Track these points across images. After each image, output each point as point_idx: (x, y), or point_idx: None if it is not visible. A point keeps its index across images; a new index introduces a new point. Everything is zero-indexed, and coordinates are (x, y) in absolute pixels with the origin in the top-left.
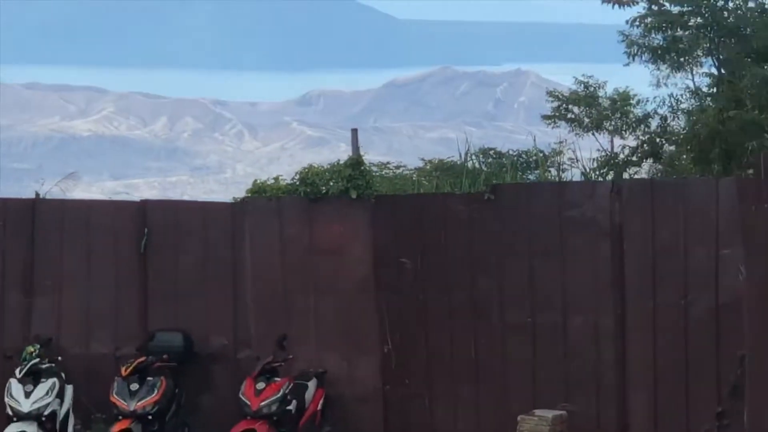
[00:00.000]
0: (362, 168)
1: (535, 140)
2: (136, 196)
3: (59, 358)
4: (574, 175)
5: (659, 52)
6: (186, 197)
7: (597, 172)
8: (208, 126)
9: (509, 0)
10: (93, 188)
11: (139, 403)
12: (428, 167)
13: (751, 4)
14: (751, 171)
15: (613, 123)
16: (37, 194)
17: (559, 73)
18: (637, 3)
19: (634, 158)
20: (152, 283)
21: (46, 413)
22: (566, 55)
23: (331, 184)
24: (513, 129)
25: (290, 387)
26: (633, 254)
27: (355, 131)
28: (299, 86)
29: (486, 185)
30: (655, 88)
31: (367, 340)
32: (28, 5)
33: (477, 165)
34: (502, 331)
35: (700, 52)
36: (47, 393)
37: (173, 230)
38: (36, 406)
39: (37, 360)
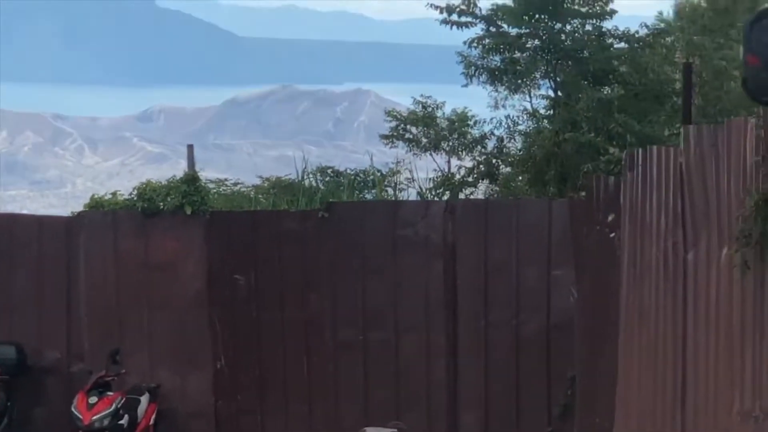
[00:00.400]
0: (198, 184)
1: (372, 159)
2: None
3: None
4: (410, 194)
5: (497, 73)
6: (25, 211)
7: (433, 192)
8: (48, 140)
9: (351, 19)
10: None
11: None
12: (266, 185)
13: (588, 28)
14: (583, 193)
15: (450, 143)
16: None
17: (400, 93)
18: (476, 24)
19: (471, 179)
20: None
21: None
22: (407, 75)
23: (168, 199)
24: (353, 148)
25: (123, 401)
26: (465, 273)
27: (191, 147)
28: (140, 102)
29: (321, 203)
30: (493, 110)
31: (200, 356)
32: None
33: (314, 183)
34: (335, 349)
35: (537, 74)
36: None
37: (8, 243)
38: None
39: None
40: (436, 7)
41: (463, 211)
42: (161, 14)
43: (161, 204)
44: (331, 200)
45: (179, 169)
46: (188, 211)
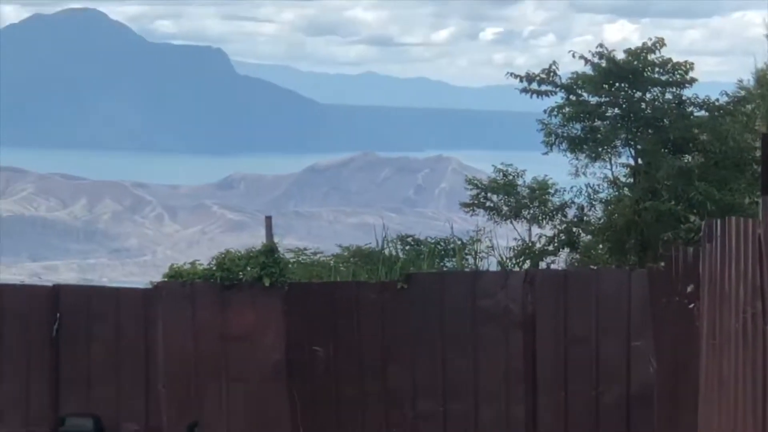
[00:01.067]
0: (276, 256)
1: (452, 228)
2: (56, 278)
3: None
4: (491, 263)
5: (577, 141)
6: (105, 280)
7: (514, 261)
8: (128, 208)
9: (432, 86)
10: (12, 269)
11: None
12: (346, 254)
13: (668, 96)
14: (663, 263)
15: (531, 211)
16: None
17: (481, 159)
18: (556, 93)
19: (551, 247)
20: (64, 368)
21: None
22: (488, 142)
23: (247, 270)
24: (433, 215)
25: None
26: (545, 344)
27: (269, 219)
28: (220, 169)
29: (401, 273)
30: (573, 177)
31: (278, 428)
32: None
33: (394, 252)
34: (414, 420)
35: (618, 143)
36: None
37: (85, 315)
38: None
39: None
40: (516, 76)
41: (542, 282)
42: (241, 82)
43: (240, 274)
44: (410, 271)
45: (259, 237)
46: (266, 283)
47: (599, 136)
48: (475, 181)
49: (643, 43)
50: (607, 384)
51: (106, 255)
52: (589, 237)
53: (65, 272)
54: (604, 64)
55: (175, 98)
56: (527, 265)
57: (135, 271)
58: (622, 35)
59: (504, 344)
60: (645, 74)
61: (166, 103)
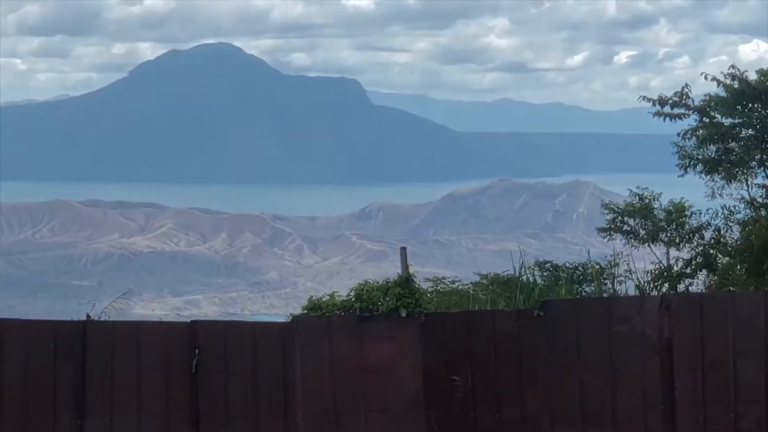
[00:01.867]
0: (412, 286)
1: (589, 253)
2: (197, 312)
3: None
4: (629, 287)
5: (712, 163)
6: (246, 313)
7: (651, 285)
8: (267, 241)
9: (567, 110)
10: (153, 304)
11: None
12: (485, 281)
13: None
14: None
15: (668, 234)
16: (88, 316)
17: (617, 183)
18: (689, 116)
19: (689, 270)
20: (203, 403)
21: None
22: (624, 165)
23: (385, 300)
24: (572, 240)
25: None
26: (682, 368)
27: (403, 249)
28: (357, 200)
29: (537, 300)
30: (710, 199)
31: None
32: (89, 124)
33: (532, 279)
34: None
35: (753, 163)
36: None
37: (224, 350)
38: None
39: None
40: (649, 100)
41: (678, 306)
42: (376, 111)
43: (379, 303)
44: (546, 298)
45: (398, 266)
46: (403, 314)
47: (734, 157)
48: (612, 206)
49: None
50: (746, 406)
51: (246, 288)
52: (726, 259)
53: (206, 306)
54: (737, 85)
55: (312, 130)
56: (665, 288)
57: (276, 303)
58: (756, 55)
59: (641, 369)
60: None
61: (302, 135)
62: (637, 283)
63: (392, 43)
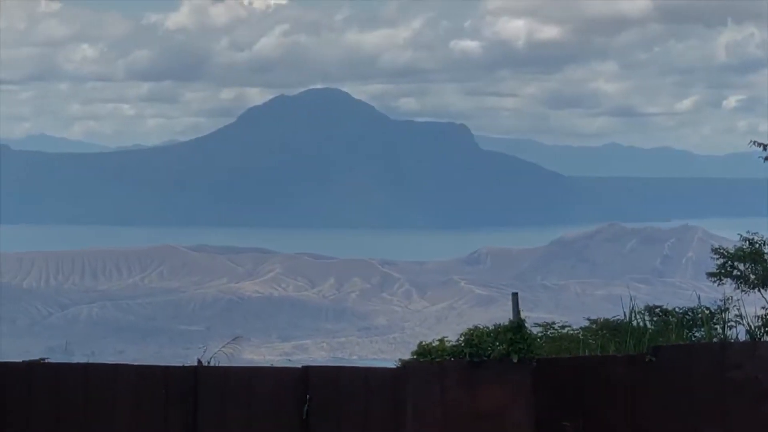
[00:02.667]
0: (524, 331)
1: (699, 298)
2: (306, 357)
3: None
4: (739, 332)
5: None
6: (355, 357)
7: (763, 330)
8: (375, 286)
9: (676, 155)
10: (262, 349)
11: None
12: (594, 326)
13: None
14: None
15: None
16: (200, 361)
17: (726, 227)
18: None
19: None
20: None
21: None
22: (733, 209)
23: (496, 345)
24: (681, 284)
25: None
26: None
27: (515, 295)
28: (466, 244)
29: (648, 346)
30: None
31: None
32: (197, 168)
33: (642, 323)
34: None
35: None
36: None
37: (334, 395)
38: None
39: None
40: (759, 144)
41: None
42: (485, 157)
43: (489, 348)
44: (657, 344)
45: (507, 311)
46: (515, 359)
47: None
48: (721, 251)
49: None
50: None
51: (355, 333)
52: None
53: (315, 351)
54: None
55: (420, 174)
56: None
57: (384, 348)
58: None
59: (755, 415)
60: None
61: (410, 180)
62: (748, 328)
63: (500, 87)
